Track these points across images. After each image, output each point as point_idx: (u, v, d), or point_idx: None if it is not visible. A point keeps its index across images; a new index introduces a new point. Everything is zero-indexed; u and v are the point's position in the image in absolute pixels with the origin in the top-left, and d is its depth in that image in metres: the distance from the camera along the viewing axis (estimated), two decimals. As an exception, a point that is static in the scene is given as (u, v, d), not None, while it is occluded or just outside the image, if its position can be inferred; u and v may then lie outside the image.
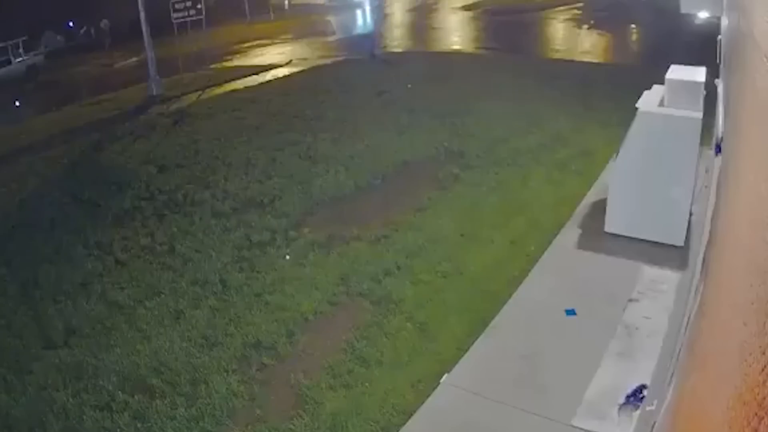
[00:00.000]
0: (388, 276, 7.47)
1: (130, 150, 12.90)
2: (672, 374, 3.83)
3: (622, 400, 5.22)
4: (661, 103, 7.44)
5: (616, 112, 11.10)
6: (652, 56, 16.26)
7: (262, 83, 18.30)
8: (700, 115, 7.09)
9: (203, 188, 10.50)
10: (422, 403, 5.41)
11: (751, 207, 1.64)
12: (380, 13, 31.78)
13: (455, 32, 27.00)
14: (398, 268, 7.62)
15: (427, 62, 19.29)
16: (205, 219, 9.40)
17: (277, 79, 18.77)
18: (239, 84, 18.31)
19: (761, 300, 1.10)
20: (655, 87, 7.94)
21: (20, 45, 22.28)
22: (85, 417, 5.64)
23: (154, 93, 17.67)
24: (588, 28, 24.89)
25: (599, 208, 8.25)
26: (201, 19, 20.38)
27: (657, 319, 6.26)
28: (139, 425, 5.52)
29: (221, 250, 8.43)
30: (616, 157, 7.74)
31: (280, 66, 20.62)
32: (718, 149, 4.05)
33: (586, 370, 5.59)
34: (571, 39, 23.64)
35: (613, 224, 7.85)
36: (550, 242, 7.91)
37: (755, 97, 2.07)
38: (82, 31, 28.29)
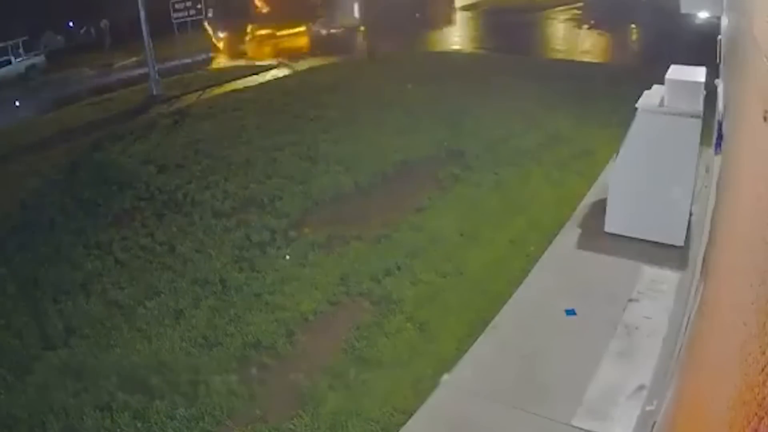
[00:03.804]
0: (388, 276, 7.47)
1: (130, 150, 12.89)
2: (672, 374, 3.83)
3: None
4: (661, 103, 7.44)
5: (615, 112, 11.09)
6: (652, 56, 16.25)
7: (262, 83, 18.31)
8: (700, 115, 7.08)
9: (203, 188, 10.50)
10: (422, 403, 5.41)
11: (751, 207, 1.64)
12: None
13: (455, 32, 26.99)
14: (398, 268, 7.62)
15: (427, 62, 19.29)
16: (205, 219, 9.39)
17: (277, 79, 18.78)
18: (239, 84, 18.32)
19: (761, 300, 1.10)
20: (655, 87, 7.93)
21: (20, 45, 22.29)
22: (85, 417, 5.64)
23: (154, 93, 17.67)
24: (588, 28, 24.88)
25: (599, 208, 8.25)
26: (201, 19, 20.40)
27: (657, 319, 6.25)
28: (139, 425, 5.52)
29: (221, 250, 8.43)
30: (616, 157, 7.75)
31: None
32: (718, 149, 4.05)
33: (586, 370, 5.59)
34: (571, 39, 23.64)
35: (613, 224, 7.85)
36: (550, 242, 7.91)
37: (755, 97, 2.07)
38: (82, 31, 28.28)
